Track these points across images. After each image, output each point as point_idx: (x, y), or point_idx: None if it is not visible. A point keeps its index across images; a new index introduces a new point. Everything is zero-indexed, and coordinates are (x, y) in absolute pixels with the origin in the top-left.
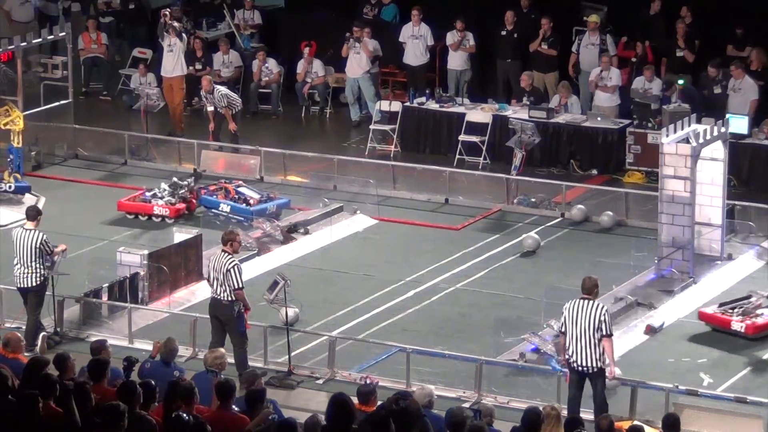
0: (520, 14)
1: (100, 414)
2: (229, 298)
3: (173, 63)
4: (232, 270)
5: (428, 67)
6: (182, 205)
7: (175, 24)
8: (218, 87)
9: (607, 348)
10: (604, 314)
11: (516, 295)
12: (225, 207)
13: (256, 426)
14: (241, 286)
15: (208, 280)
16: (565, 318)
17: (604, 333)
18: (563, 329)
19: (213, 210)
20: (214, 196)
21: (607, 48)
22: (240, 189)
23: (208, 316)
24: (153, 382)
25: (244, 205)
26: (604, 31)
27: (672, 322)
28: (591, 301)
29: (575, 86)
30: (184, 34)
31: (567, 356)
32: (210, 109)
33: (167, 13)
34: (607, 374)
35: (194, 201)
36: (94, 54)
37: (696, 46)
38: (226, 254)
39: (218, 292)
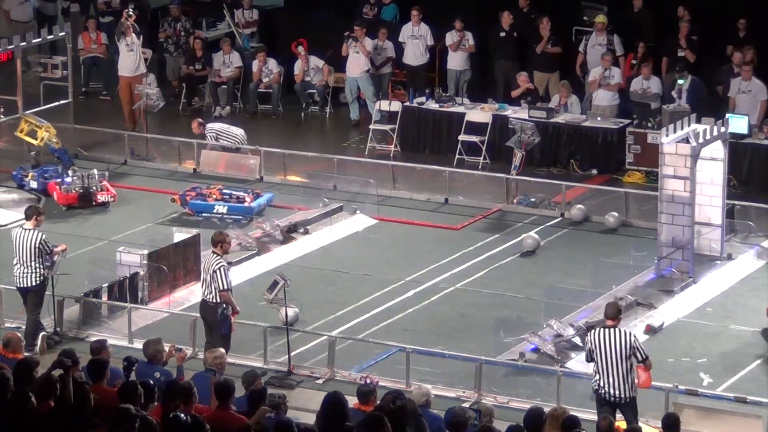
0: (519, 14)
1: (111, 416)
2: (215, 300)
3: (135, 62)
4: (218, 271)
5: (428, 67)
6: (73, 195)
7: (133, 23)
8: (209, 126)
9: (645, 368)
10: (634, 340)
11: (516, 295)
12: (221, 208)
13: (254, 425)
14: (226, 287)
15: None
16: (590, 349)
17: (639, 359)
18: (589, 359)
19: (204, 213)
20: (204, 200)
21: (614, 48)
22: (224, 191)
23: None
24: (152, 382)
25: (240, 203)
26: (611, 31)
27: (672, 322)
28: (616, 329)
29: (582, 86)
30: (141, 34)
31: (596, 386)
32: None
33: (131, 13)
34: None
35: (99, 198)
36: (94, 54)
37: (697, 45)
38: (216, 255)
39: (205, 293)
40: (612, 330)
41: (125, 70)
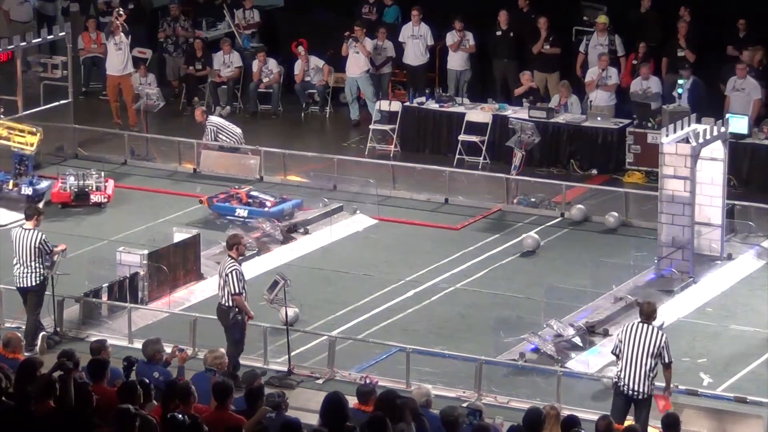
0: (518, 14)
1: (111, 416)
2: (228, 304)
3: (123, 61)
4: (230, 274)
5: (428, 67)
6: (66, 193)
7: (123, 22)
8: (212, 119)
9: (667, 375)
10: (666, 341)
11: (516, 295)
12: (242, 212)
13: (255, 425)
14: (238, 291)
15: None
16: (621, 340)
17: (665, 360)
18: (617, 351)
19: (228, 216)
20: (227, 203)
21: (616, 48)
22: (252, 193)
23: (207, 317)
24: (147, 380)
25: (262, 208)
26: (612, 31)
27: (672, 322)
28: (650, 326)
29: (582, 86)
30: (130, 33)
31: (616, 378)
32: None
33: (121, 13)
34: (659, 400)
35: (92, 198)
36: (94, 54)
37: (696, 45)
38: (230, 259)
39: (219, 297)
40: (646, 325)
41: (113, 69)
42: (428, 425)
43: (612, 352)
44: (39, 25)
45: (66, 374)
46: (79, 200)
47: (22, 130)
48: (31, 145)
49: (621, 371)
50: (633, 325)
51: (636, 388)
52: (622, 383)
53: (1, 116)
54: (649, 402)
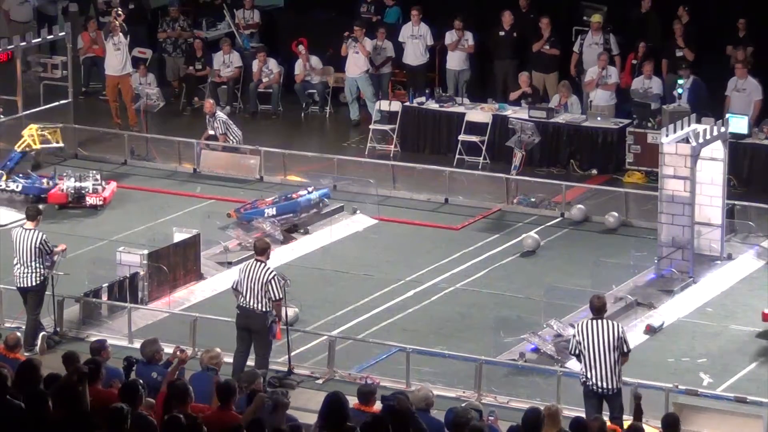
0: (519, 14)
1: (104, 416)
2: (264, 309)
3: (122, 61)
4: (273, 281)
5: (428, 66)
6: (62, 194)
7: (122, 22)
8: (220, 114)
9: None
10: (622, 332)
11: (516, 295)
12: (270, 211)
13: (252, 414)
14: (281, 297)
15: (237, 290)
16: (579, 341)
17: (624, 351)
18: (576, 351)
19: (258, 218)
20: (255, 208)
21: (611, 47)
22: (275, 199)
23: (208, 316)
24: (140, 380)
25: (288, 201)
26: (606, 31)
27: (672, 322)
28: (603, 321)
29: (577, 85)
30: (128, 34)
31: (583, 379)
32: (210, 133)
33: (120, 13)
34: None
35: (88, 200)
36: (94, 54)
37: (696, 45)
38: (264, 264)
39: (251, 303)
40: (599, 321)
41: (112, 69)
42: (425, 428)
43: (571, 353)
44: (39, 25)
45: (81, 379)
46: (75, 202)
47: (31, 133)
48: (57, 141)
49: (587, 371)
50: (586, 322)
51: (605, 385)
52: (591, 383)
53: (1, 116)
54: (619, 394)
